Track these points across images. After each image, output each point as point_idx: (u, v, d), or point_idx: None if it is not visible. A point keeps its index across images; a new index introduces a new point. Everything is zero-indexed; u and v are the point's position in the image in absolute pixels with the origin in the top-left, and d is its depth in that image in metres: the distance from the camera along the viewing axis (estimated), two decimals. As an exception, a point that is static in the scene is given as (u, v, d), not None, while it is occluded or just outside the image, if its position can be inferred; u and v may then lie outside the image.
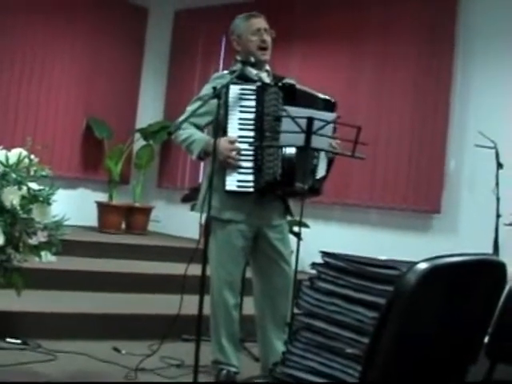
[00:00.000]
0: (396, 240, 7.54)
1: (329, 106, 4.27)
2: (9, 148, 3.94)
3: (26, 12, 8.56)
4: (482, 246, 6.37)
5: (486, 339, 2.32)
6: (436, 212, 7.34)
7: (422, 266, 1.75)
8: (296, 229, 4.55)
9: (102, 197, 9.04)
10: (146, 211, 9.19)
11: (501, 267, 2.06)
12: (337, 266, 1.98)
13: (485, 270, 2.00)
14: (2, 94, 8.50)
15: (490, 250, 6.16)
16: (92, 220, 8.73)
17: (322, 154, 4.23)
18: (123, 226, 8.97)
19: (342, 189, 7.64)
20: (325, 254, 2.04)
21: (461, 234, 7.21)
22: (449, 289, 1.89)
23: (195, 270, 4.00)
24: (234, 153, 4.10)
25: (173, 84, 9.84)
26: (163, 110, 9.87)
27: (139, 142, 9.38)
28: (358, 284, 1.92)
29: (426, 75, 7.48)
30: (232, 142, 4.12)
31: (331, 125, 3.93)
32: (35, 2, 8.62)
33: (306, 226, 7.09)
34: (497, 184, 6.25)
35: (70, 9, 8.94)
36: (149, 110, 9.72)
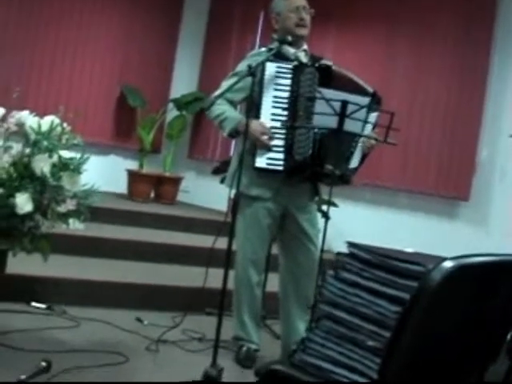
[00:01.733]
0: (423, 225, 7.52)
1: (373, 98, 4.19)
2: (41, 115, 3.96)
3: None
4: (508, 237, 6.35)
5: (508, 338, 2.31)
6: (464, 199, 7.28)
7: (448, 264, 1.73)
8: (324, 208, 4.54)
9: (133, 165, 9.07)
10: (176, 181, 9.21)
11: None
12: (362, 257, 1.97)
13: (508, 271, 1.98)
14: (36, 62, 8.53)
15: (517, 241, 6.13)
16: (122, 187, 8.78)
17: (358, 146, 4.21)
18: (152, 194, 9.01)
19: (373, 170, 7.59)
20: (351, 244, 2.03)
21: (488, 224, 7.15)
22: (473, 288, 1.89)
23: (222, 243, 4.00)
24: (264, 137, 4.09)
25: (208, 55, 9.81)
26: (197, 81, 9.85)
27: (172, 112, 9.38)
28: (383, 277, 1.92)
29: (462, 62, 7.39)
30: (264, 126, 4.11)
31: (364, 109, 3.90)
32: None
33: (335, 205, 7.08)
34: (529, 175, 6.20)
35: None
36: (183, 81, 9.70)
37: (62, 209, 3.84)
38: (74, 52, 8.78)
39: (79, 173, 3.92)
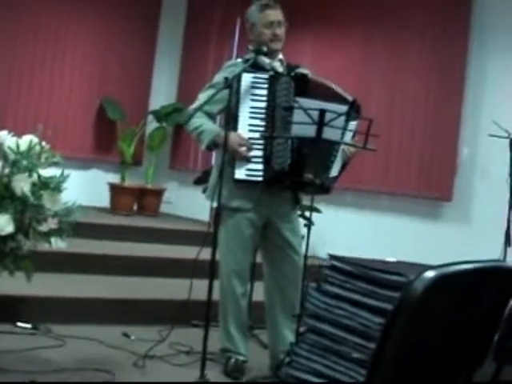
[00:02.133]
0: (407, 227, 7.54)
1: (352, 106, 4.19)
2: (21, 134, 3.94)
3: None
4: (492, 236, 6.37)
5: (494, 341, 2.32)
6: (447, 200, 7.31)
7: (430, 274, 1.73)
8: (307, 214, 4.56)
9: (115, 178, 9.06)
10: (158, 193, 9.20)
11: (508, 272, 2.05)
12: (343, 269, 1.97)
13: (493, 277, 1.98)
14: (14, 78, 8.51)
15: (501, 241, 6.13)
16: (104, 201, 8.75)
17: (339, 155, 4.22)
18: (135, 207, 8.99)
19: (354, 174, 7.60)
20: (332, 257, 2.03)
21: (472, 223, 7.19)
22: (457, 297, 1.88)
23: (206, 254, 4.00)
24: (243, 148, 4.10)
25: (186, 66, 9.81)
26: (176, 92, 9.85)
27: (152, 124, 9.38)
28: (365, 288, 1.92)
29: (440, 62, 7.42)
30: (242, 138, 4.12)
31: (342, 117, 3.91)
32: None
33: (318, 211, 7.09)
34: (510, 174, 6.20)
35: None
36: (162, 92, 9.71)
37: (43, 228, 3.81)
38: (51, 66, 8.78)
39: (59, 191, 3.90)
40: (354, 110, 4.13)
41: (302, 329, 2.12)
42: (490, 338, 2.26)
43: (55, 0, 8.70)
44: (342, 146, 4.18)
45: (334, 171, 4.24)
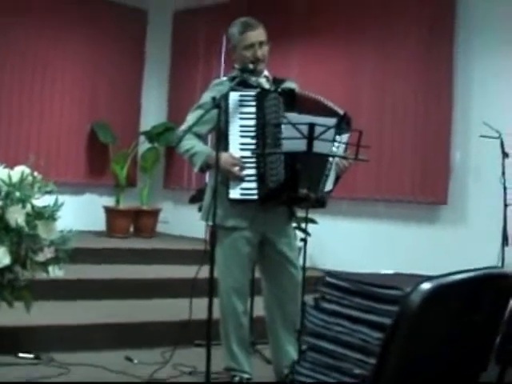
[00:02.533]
0: (404, 232, 7.55)
1: (342, 119, 4.18)
2: (12, 165, 3.95)
3: (26, 22, 8.56)
4: (490, 236, 6.40)
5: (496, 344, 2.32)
6: (443, 203, 7.32)
7: (426, 286, 1.73)
8: (303, 225, 4.56)
9: (110, 201, 9.05)
10: (154, 213, 9.20)
11: (505, 278, 2.05)
12: (340, 286, 1.97)
13: (490, 284, 1.98)
14: (3, 107, 8.50)
15: (498, 240, 6.15)
16: (100, 225, 8.74)
17: (333, 169, 4.22)
18: (132, 229, 8.98)
19: (348, 183, 7.61)
20: (328, 274, 2.03)
21: (469, 225, 7.20)
22: (454, 306, 1.88)
23: (205, 272, 3.99)
24: (236, 168, 4.09)
25: (175, 85, 9.82)
26: (166, 112, 9.85)
27: (144, 145, 9.38)
28: (362, 304, 1.92)
29: (427, 68, 7.44)
30: (235, 158, 4.11)
31: (332, 130, 3.91)
32: (34, 12, 8.61)
33: (314, 222, 7.09)
34: (503, 173, 6.22)
35: (70, 16, 8.92)
36: (152, 113, 9.72)
37: (40, 258, 3.83)
38: (40, 93, 8.77)
39: (54, 220, 3.91)
40: (345, 123, 4.14)
41: (303, 346, 2.12)
42: (492, 341, 2.26)
43: (42, 26, 8.71)
44: (335, 160, 4.18)
45: (329, 185, 4.24)
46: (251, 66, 4.23)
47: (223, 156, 4.06)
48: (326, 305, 1.99)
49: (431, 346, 1.88)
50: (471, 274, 1.91)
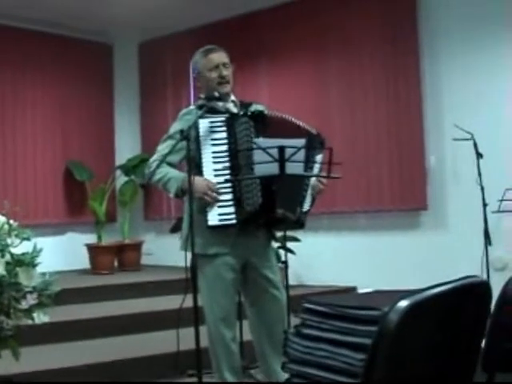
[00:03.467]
0: (387, 241, 7.58)
1: (313, 139, 4.21)
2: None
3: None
4: (472, 237, 6.44)
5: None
6: (423, 209, 7.37)
7: (404, 303, 1.73)
8: (287, 244, 4.57)
9: (91, 238, 9.00)
10: (137, 246, 9.18)
11: (484, 286, 2.06)
12: (319, 311, 1.98)
13: (468, 294, 1.99)
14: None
15: (481, 240, 6.19)
16: (84, 263, 8.70)
17: (309, 189, 4.24)
18: (116, 264, 8.95)
19: (327, 197, 7.63)
20: (306, 300, 2.03)
21: (450, 228, 7.25)
22: (434, 320, 1.89)
23: (190, 301, 3.98)
24: (211, 193, 4.09)
25: (146, 116, 9.85)
26: (140, 143, 9.87)
27: (121, 179, 9.38)
28: (342, 327, 1.92)
29: (394, 77, 7.52)
30: (210, 182, 4.11)
31: (303, 150, 3.93)
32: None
33: (297, 239, 7.11)
34: (479, 174, 6.27)
35: (35, 57, 8.96)
36: (126, 146, 9.75)
37: (23, 305, 3.79)
38: (13, 137, 8.75)
39: (34, 266, 3.89)
40: (318, 143, 4.17)
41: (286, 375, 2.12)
42: (476, 350, 2.26)
43: (9, 73, 8.74)
44: (312, 181, 4.20)
45: (306, 205, 4.26)
46: (216, 94, 4.25)
47: (197, 180, 4.05)
48: (306, 330, 1.99)
49: (414, 361, 1.88)
50: (449, 287, 1.92)
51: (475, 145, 6.33)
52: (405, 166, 7.45)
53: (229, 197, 4.15)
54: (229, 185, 4.14)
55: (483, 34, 7.04)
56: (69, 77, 9.24)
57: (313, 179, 4.22)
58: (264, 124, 4.17)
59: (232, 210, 4.15)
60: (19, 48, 8.81)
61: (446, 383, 2.13)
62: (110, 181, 9.23)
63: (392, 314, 1.72)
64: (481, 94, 7.01)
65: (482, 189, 6.26)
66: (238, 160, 4.12)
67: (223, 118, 4.19)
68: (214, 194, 4.10)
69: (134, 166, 9.24)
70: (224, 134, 4.17)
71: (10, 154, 8.72)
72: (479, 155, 6.34)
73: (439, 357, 2.02)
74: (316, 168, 4.19)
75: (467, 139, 6.31)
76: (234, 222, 4.16)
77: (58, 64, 9.15)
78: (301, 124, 4.22)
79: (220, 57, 4.39)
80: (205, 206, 4.14)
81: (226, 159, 4.16)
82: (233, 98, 4.46)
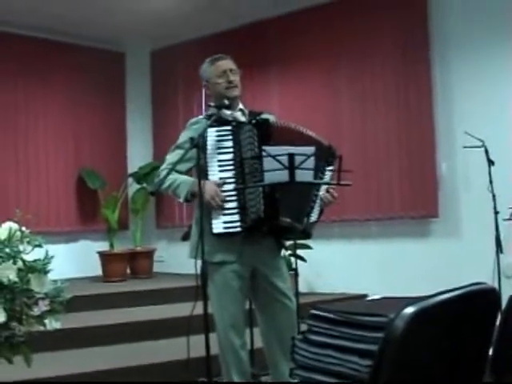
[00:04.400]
0: (398, 249, 7.58)
1: (324, 150, 4.23)
2: (1, 222, 3.96)
3: (4, 78, 8.62)
4: (483, 245, 6.42)
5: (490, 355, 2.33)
6: (434, 216, 7.36)
7: (409, 310, 1.75)
8: (298, 252, 4.58)
9: (103, 246, 9.03)
10: (149, 254, 9.20)
11: (492, 293, 2.07)
12: (326, 317, 1.99)
13: (475, 300, 2.00)
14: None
15: (492, 248, 6.17)
16: (96, 270, 8.72)
17: (318, 200, 4.25)
18: (128, 271, 8.97)
19: (338, 205, 7.65)
20: (314, 308, 2.05)
21: (461, 235, 7.24)
22: (441, 327, 1.90)
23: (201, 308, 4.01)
24: (217, 198, 4.11)
25: (158, 124, 9.88)
26: (152, 151, 9.91)
27: (133, 187, 9.41)
28: (350, 333, 1.93)
29: (405, 85, 7.53)
30: (219, 185, 4.14)
31: (312, 158, 3.94)
32: (10, 65, 8.67)
33: (309, 247, 7.11)
34: (490, 181, 6.26)
35: (48, 66, 9.02)
36: (138, 154, 9.77)
37: (35, 312, 3.82)
38: (25, 146, 8.80)
39: (46, 273, 3.91)
40: (330, 155, 4.19)
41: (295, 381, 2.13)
42: (485, 355, 2.27)
43: (21, 82, 8.80)
44: (320, 193, 4.21)
45: (314, 216, 4.27)
46: (226, 102, 4.28)
47: (207, 184, 4.09)
48: (314, 337, 2.01)
49: (421, 367, 1.89)
50: (456, 293, 1.93)
51: (486, 152, 6.32)
52: (416, 174, 7.45)
53: (234, 205, 4.17)
54: (234, 193, 4.17)
55: (494, 43, 7.04)
56: (81, 85, 9.28)
57: (322, 191, 4.24)
58: (268, 132, 4.19)
59: (237, 217, 4.18)
60: (31, 57, 8.87)
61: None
62: (122, 189, 9.26)
63: (398, 320, 1.73)
64: (492, 101, 7.01)
65: (494, 196, 6.25)
66: (243, 168, 4.15)
67: (229, 127, 4.22)
68: (220, 202, 4.12)
69: (146, 174, 9.28)
70: (230, 143, 4.20)
71: (22, 163, 8.76)
72: (491, 162, 6.33)
73: (446, 363, 2.03)
74: (326, 177, 4.21)
75: (478, 146, 6.30)
76: (238, 229, 4.18)
77: (71, 72, 9.20)
78: (312, 134, 4.24)
79: (227, 63, 4.47)
80: (210, 212, 4.16)
81: (232, 167, 4.18)
82: (241, 106, 4.49)
